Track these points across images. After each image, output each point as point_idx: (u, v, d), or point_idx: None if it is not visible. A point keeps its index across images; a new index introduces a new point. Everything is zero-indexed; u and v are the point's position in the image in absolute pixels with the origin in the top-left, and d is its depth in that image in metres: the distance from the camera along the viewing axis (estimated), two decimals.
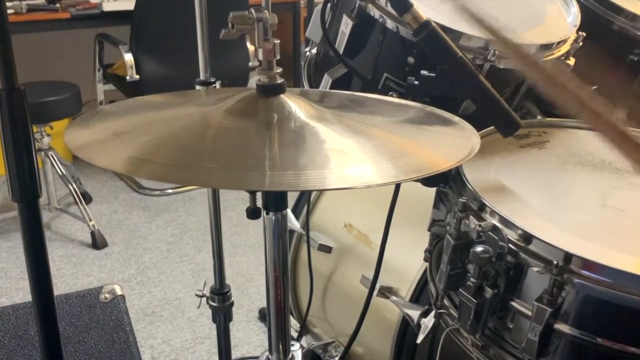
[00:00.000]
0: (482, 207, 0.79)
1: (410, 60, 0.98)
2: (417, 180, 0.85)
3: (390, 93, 1.01)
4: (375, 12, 1.00)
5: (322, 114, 0.78)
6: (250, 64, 2.96)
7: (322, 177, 0.65)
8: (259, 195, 0.80)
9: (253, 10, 0.74)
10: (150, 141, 0.71)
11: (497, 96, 0.88)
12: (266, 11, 0.74)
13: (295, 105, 0.76)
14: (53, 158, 2.61)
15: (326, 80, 1.09)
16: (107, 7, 2.89)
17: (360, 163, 0.69)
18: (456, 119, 0.84)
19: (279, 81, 0.77)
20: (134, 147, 0.69)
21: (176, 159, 0.67)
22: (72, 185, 2.65)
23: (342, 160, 0.69)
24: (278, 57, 0.77)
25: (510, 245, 0.74)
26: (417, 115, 0.86)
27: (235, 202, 2.79)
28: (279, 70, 0.77)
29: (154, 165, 0.65)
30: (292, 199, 1.32)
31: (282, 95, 0.77)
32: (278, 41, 0.77)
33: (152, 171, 0.65)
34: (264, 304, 2.04)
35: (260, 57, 0.76)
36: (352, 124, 0.78)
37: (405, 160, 0.71)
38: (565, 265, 0.69)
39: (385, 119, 0.84)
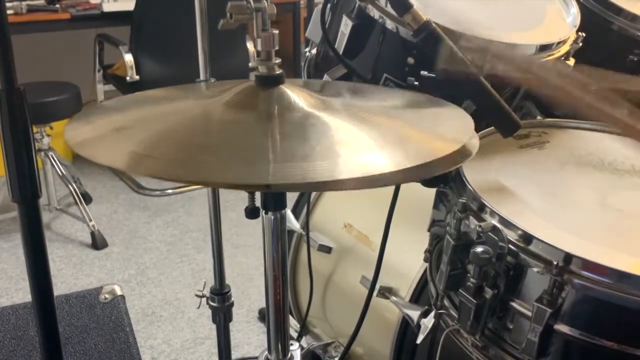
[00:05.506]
0: (482, 207, 0.78)
1: (410, 60, 0.98)
2: (417, 181, 0.85)
3: None
4: (375, 13, 1.00)
5: (322, 103, 0.77)
6: (250, 64, 2.96)
7: (328, 168, 0.62)
8: (257, 194, 0.79)
9: (252, 0, 0.74)
10: (151, 137, 0.70)
11: (497, 96, 0.88)
12: (265, 1, 0.74)
13: (295, 95, 0.76)
14: (53, 158, 2.61)
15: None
16: (107, 7, 2.89)
17: (367, 152, 0.68)
18: (450, 104, 0.84)
19: (278, 72, 0.77)
20: (134, 144, 0.68)
21: (177, 155, 0.66)
22: (72, 186, 2.65)
23: (348, 150, 0.67)
24: (277, 47, 0.77)
25: (510, 245, 0.73)
26: (417, 99, 0.86)
27: (235, 202, 2.79)
28: (278, 60, 0.77)
29: (154, 161, 0.64)
30: (291, 199, 1.32)
31: (281, 86, 0.77)
32: (277, 31, 0.76)
33: (153, 167, 0.64)
34: (264, 304, 2.05)
35: (259, 47, 0.76)
36: (354, 112, 0.77)
37: (413, 146, 0.70)
38: (565, 265, 0.69)
39: (385, 104, 0.84)
